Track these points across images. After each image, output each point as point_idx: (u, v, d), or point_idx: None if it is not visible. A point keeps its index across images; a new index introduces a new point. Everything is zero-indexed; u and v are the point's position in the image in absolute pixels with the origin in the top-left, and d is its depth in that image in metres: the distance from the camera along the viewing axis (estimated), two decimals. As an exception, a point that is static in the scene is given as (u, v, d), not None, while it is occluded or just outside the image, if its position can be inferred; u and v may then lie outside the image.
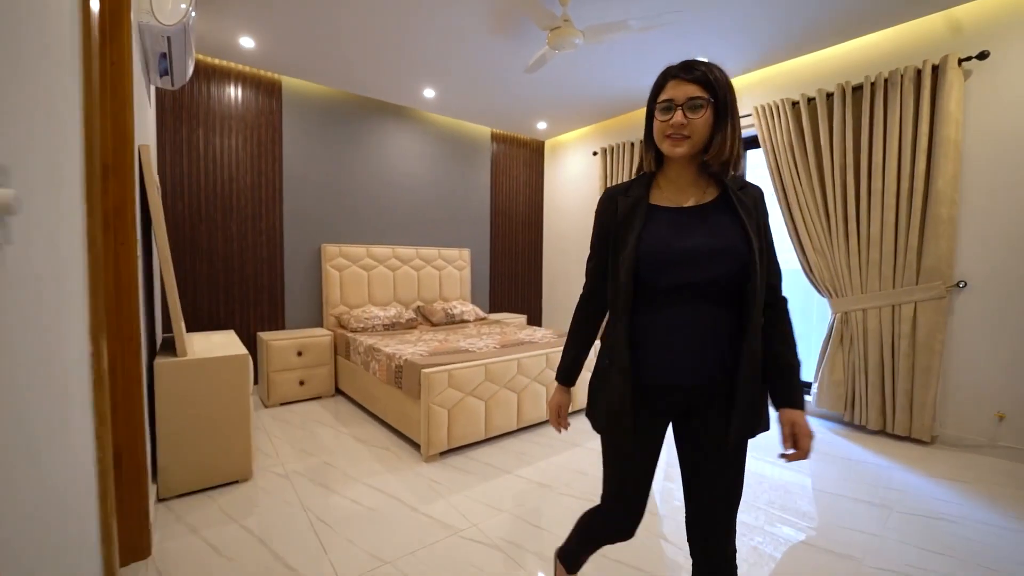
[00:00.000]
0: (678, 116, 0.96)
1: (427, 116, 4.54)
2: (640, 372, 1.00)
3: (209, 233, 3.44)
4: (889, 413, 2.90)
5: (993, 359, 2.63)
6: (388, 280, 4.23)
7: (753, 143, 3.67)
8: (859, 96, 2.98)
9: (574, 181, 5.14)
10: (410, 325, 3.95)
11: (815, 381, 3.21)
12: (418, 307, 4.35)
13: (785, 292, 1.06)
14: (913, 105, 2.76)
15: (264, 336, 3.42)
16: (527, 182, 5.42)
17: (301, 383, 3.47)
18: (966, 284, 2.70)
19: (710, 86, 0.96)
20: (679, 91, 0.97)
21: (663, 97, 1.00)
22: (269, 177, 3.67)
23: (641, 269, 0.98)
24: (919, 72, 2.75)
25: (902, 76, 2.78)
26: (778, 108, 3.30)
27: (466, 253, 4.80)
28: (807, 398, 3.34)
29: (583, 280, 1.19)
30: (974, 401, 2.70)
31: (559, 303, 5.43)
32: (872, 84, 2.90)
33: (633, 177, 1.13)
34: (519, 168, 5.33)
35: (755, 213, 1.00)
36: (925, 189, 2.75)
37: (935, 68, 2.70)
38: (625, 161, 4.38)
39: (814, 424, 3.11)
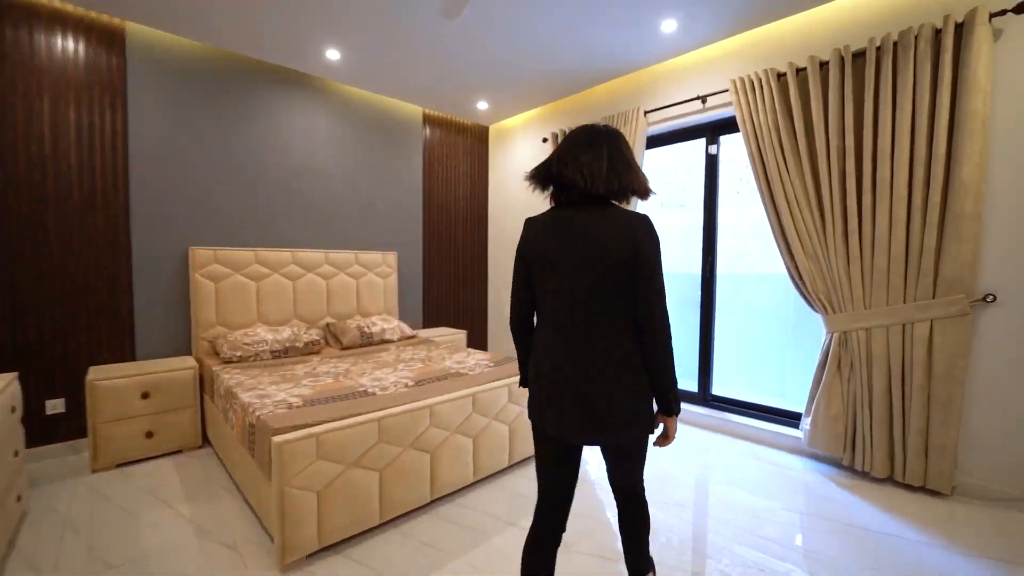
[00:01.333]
0: None
1: (340, 89, 3.69)
2: None
3: (10, 234, 2.47)
4: (899, 457, 2.34)
5: (1029, 392, 2.10)
6: (285, 292, 3.35)
7: (731, 125, 3.06)
8: (861, 64, 2.40)
9: (524, 171, 4.41)
10: (310, 350, 3.11)
11: (808, 416, 2.62)
12: (327, 325, 3.50)
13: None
14: (931, 73, 2.19)
15: (93, 374, 2.49)
16: (469, 173, 4.65)
17: (149, 435, 2.56)
18: (995, 298, 2.16)
19: None
20: None
21: None
22: (107, 157, 2.73)
23: None
24: (938, 32, 2.18)
25: (916, 37, 2.21)
26: (761, 81, 2.69)
27: (392, 257, 3.98)
28: (798, 434, 2.76)
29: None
30: (1002, 444, 2.16)
31: (507, 315, 4.69)
32: (878, 49, 2.32)
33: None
34: (459, 157, 4.55)
35: None
36: (945, 178, 2.19)
37: (958, 26, 2.14)
38: (579, 148, 3.70)
39: (805, 469, 2.53)
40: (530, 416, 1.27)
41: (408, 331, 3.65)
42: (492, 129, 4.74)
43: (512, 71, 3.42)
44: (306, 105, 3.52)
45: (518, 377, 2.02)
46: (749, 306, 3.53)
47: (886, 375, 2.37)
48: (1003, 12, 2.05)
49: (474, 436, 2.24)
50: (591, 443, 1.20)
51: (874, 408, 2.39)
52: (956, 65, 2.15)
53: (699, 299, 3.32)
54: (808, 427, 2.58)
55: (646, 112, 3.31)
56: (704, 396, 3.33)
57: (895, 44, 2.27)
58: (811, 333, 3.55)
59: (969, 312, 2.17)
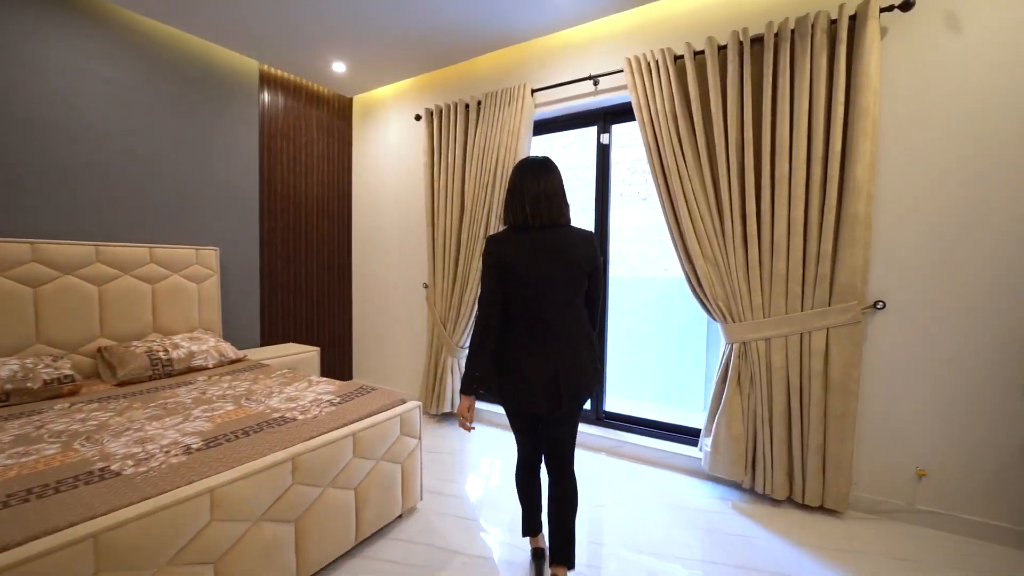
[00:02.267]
0: None
1: (134, 21, 2.63)
2: None
3: None
4: (798, 476, 2.18)
5: (913, 401, 2.06)
6: (20, 304, 2.23)
7: (626, 112, 2.75)
8: (759, 51, 2.21)
9: (395, 153, 3.71)
10: (55, 391, 2.06)
11: (708, 435, 2.38)
12: (101, 350, 2.43)
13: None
14: (827, 66, 2.06)
15: None
16: (326, 154, 3.80)
17: None
18: (884, 305, 2.08)
19: None
20: None
21: None
22: None
23: None
24: (833, 22, 2.05)
25: (813, 25, 2.05)
26: (658, 63, 2.40)
27: (212, 255, 3.00)
28: (697, 454, 2.52)
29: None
30: (892, 455, 2.10)
31: (375, 325, 3.93)
32: (776, 35, 2.14)
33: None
34: (313, 132, 3.68)
35: None
36: (840, 178, 2.07)
37: (852, 18, 2.02)
38: (457, 128, 3.14)
39: (706, 495, 2.27)
40: (511, 400, 1.50)
41: (232, 353, 2.73)
42: (357, 101, 3.95)
43: (373, 27, 2.73)
44: (71, 36, 2.42)
45: (412, 404, 2.07)
46: (636, 312, 3.31)
47: (785, 391, 2.20)
48: (891, 8, 1.97)
49: (296, 519, 1.53)
50: (563, 412, 1.46)
51: (774, 426, 2.20)
52: (850, 59, 2.03)
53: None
54: (709, 449, 2.34)
55: (533, 91, 2.87)
56: (596, 414, 2.99)
57: (792, 31, 2.10)
58: (696, 339, 3.41)
59: (860, 320, 2.07)
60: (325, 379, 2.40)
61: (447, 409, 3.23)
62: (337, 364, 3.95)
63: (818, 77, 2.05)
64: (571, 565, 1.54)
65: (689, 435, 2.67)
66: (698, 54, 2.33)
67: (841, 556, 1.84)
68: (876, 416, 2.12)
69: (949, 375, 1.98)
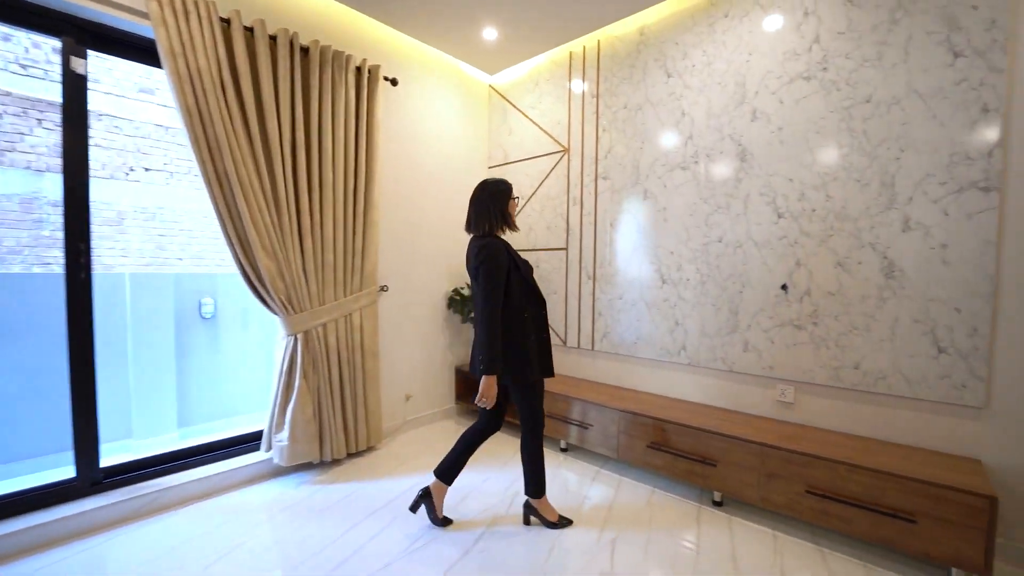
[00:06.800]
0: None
1: None
2: None
3: None
4: (352, 432, 2.65)
5: (401, 349, 3.05)
6: None
7: (130, 45, 1.98)
8: (307, 62, 2.38)
9: None
10: None
11: (282, 430, 2.33)
12: None
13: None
14: (355, 97, 2.58)
15: None
16: None
17: None
18: (388, 288, 2.92)
19: None
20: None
21: (513, 194, 1.94)
22: None
23: (534, 287, 1.93)
24: (359, 69, 2.59)
25: (347, 60, 2.51)
26: (198, 9, 1.99)
27: None
28: (259, 457, 2.36)
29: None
30: (394, 389, 3.02)
31: None
32: (321, 53, 2.41)
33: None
34: None
35: None
36: (366, 191, 2.68)
37: (370, 71, 2.65)
38: None
39: (284, 489, 2.32)
40: (533, 373, 1.85)
41: None
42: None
43: None
44: None
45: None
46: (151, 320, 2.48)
47: (338, 364, 2.58)
48: (387, 79, 2.78)
49: None
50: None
51: (334, 397, 2.54)
52: (370, 103, 2.67)
53: (64, 315, 1.93)
54: (286, 442, 2.31)
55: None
56: (89, 477, 2.01)
57: (333, 58, 2.45)
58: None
59: (376, 300, 2.81)
60: None
61: None
62: None
63: (350, 102, 2.54)
64: (540, 494, 1.97)
65: (241, 444, 2.43)
66: (248, 30, 2.16)
67: (391, 474, 2.54)
68: (388, 366, 2.96)
69: (418, 329, 3.13)
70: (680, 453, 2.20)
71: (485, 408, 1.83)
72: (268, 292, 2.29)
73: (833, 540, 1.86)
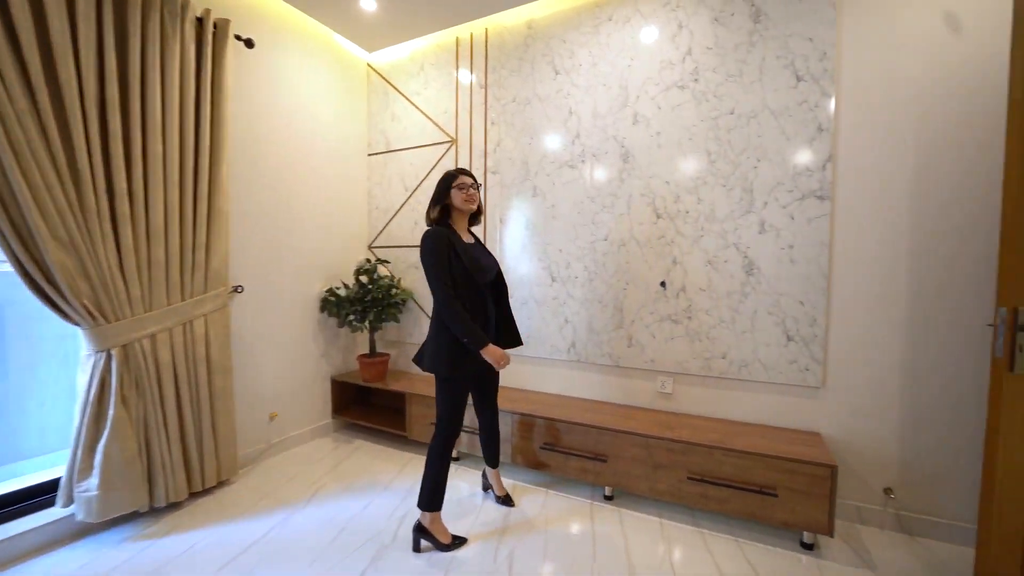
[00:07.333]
0: (473, 189, 1.84)
1: None
2: None
3: None
4: (196, 466, 2.16)
5: (268, 364, 2.60)
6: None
7: None
8: (125, 2, 1.85)
9: None
10: None
11: (89, 477, 1.77)
12: None
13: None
14: (196, 54, 2.10)
15: None
16: None
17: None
18: (243, 288, 2.45)
19: (476, 182, 1.88)
20: (468, 180, 1.84)
21: (461, 181, 1.83)
22: None
23: (475, 276, 1.79)
24: (201, 20, 2.11)
25: (184, 6, 2.02)
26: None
27: None
28: (58, 513, 1.77)
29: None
30: (256, 411, 2.55)
31: None
32: (141, -8, 1.89)
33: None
34: None
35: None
36: (211, 172, 2.20)
37: (216, 25, 2.17)
38: None
39: (86, 560, 1.84)
40: (450, 368, 1.78)
41: None
42: None
43: None
44: None
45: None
46: None
47: (174, 384, 2.08)
48: (239, 38, 2.33)
49: None
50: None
51: (169, 427, 2.04)
52: (215, 62, 2.19)
53: None
54: (95, 492, 1.77)
55: None
56: None
57: (162, 2, 1.95)
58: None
59: (227, 303, 2.34)
60: None
61: None
62: None
63: (188, 68, 2.06)
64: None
65: (32, 498, 1.81)
66: (22, -58, 1.59)
67: (248, 513, 2.14)
68: (245, 382, 2.49)
69: (284, 337, 2.69)
70: (573, 452, 2.19)
71: (497, 371, 1.99)
72: (63, 296, 1.73)
73: (712, 521, 1.99)
